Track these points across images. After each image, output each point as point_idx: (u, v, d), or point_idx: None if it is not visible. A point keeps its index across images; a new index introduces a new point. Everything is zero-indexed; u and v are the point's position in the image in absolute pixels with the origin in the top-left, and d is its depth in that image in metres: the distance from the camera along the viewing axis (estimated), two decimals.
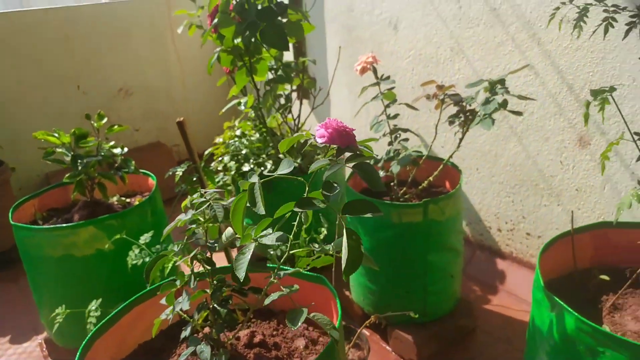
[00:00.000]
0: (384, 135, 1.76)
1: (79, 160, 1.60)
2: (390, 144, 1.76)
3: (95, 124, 1.73)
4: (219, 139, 2.30)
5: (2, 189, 2.44)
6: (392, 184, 1.77)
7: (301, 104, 2.15)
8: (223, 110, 2.05)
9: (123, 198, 1.89)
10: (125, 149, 1.77)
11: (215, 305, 0.90)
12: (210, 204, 0.86)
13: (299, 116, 2.13)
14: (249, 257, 0.73)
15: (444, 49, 2.00)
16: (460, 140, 1.57)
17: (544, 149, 1.77)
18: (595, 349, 0.99)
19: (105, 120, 1.76)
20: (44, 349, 1.88)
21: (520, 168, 1.88)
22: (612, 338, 0.97)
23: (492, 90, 1.45)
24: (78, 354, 0.98)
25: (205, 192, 0.91)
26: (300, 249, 0.93)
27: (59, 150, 1.64)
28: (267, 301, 0.79)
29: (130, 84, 3.12)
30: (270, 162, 1.95)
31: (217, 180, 2.15)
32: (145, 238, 1.52)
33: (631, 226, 1.31)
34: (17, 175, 2.77)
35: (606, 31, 1.18)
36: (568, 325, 1.04)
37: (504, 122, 1.87)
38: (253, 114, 2.19)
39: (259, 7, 1.20)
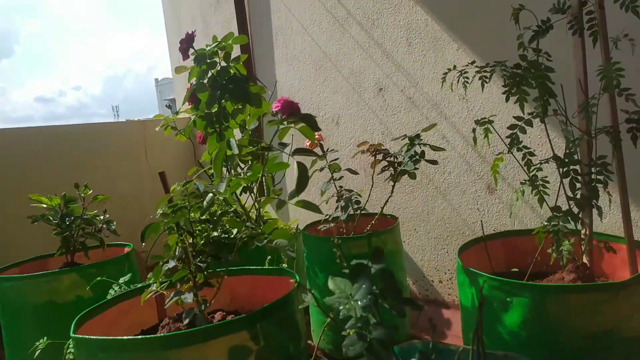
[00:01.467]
0: (333, 195, 2.10)
1: (67, 218, 1.83)
2: (338, 200, 2.09)
3: (82, 194, 2.00)
4: None
5: None
6: (342, 233, 2.06)
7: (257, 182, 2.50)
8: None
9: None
10: (107, 216, 2.01)
11: (198, 262, 1.13)
12: (194, 183, 1.15)
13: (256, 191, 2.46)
14: (227, 182, 1.01)
15: (376, 134, 2.46)
16: (393, 187, 1.93)
17: (463, 201, 2.14)
18: (505, 300, 1.25)
19: (90, 191, 2.04)
20: None
21: (448, 221, 2.22)
22: (515, 285, 1.23)
23: (411, 143, 1.86)
24: (72, 327, 1.15)
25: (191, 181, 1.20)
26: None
27: (47, 212, 1.87)
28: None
29: (105, 192, 3.40)
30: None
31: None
32: (124, 279, 1.71)
33: (529, 233, 1.63)
34: None
35: (483, 86, 1.64)
36: (484, 289, 1.30)
37: (430, 185, 2.26)
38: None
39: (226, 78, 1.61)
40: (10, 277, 1.75)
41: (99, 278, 1.69)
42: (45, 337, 1.55)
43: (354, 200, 1.99)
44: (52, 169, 3.15)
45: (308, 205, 1.06)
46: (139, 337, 0.99)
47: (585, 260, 1.42)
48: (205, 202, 1.12)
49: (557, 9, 1.40)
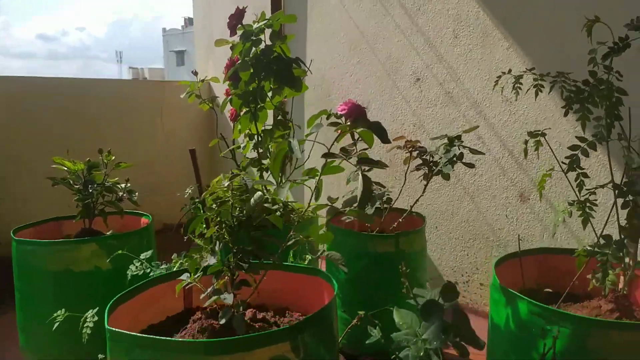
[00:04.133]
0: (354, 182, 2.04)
1: (90, 186, 1.78)
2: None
3: (105, 160, 1.93)
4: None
5: None
6: (368, 226, 2.02)
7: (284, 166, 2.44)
8: (223, 153, 2.26)
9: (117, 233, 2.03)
10: (129, 185, 1.95)
11: (238, 262, 1.08)
12: (242, 177, 1.09)
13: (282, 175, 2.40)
14: (287, 188, 0.95)
15: (407, 125, 2.38)
16: (425, 186, 1.87)
17: (492, 206, 2.10)
18: (545, 328, 1.21)
19: (113, 157, 1.97)
20: None
21: (473, 223, 2.18)
22: (557, 314, 1.19)
23: (450, 144, 1.79)
24: (106, 311, 1.11)
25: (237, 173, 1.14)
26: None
27: (69, 176, 1.81)
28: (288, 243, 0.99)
29: (121, 158, 3.33)
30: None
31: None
32: (145, 255, 1.67)
33: (566, 252, 1.59)
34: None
35: (537, 94, 1.57)
36: (522, 312, 1.26)
37: (458, 185, 2.21)
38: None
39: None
40: (30, 241, 1.71)
41: (119, 251, 1.65)
42: (64, 309, 1.52)
43: (384, 196, 1.93)
44: (68, 123, 3.08)
45: (364, 216, 1.01)
46: (185, 340, 0.95)
47: (624, 289, 1.38)
48: (252, 200, 1.06)
49: (636, 25, 1.31)
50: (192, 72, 2.53)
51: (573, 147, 1.33)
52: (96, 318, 1.51)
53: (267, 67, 1.50)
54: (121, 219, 1.98)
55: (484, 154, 1.94)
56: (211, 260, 1.08)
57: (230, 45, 1.70)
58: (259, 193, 1.06)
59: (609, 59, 1.30)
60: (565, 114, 1.42)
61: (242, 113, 1.78)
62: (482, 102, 2.08)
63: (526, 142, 1.48)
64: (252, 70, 1.53)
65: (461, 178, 2.19)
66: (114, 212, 1.92)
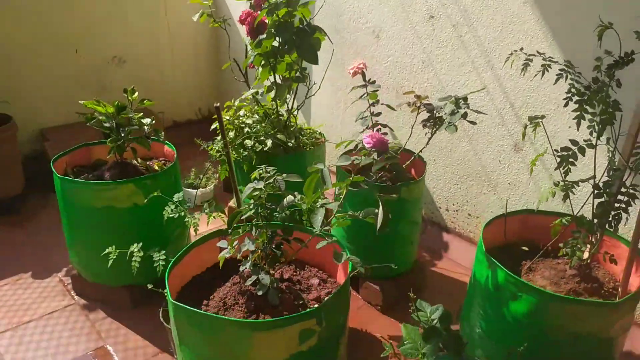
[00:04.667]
0: (368, 128, 2.19)
1: (121, 129, 1.92)
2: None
3: (130, 98, 2.04)
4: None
5: (10, 144, 2.67)
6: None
7: (295, 93, 2.55)
8: (244, 95, 2.34)
9: (142, 160, 2.22)
10: (153, 121, 2.09)
11: (272, 248, 1.31)
12: (275, 178, 1.27)
13: (293, 102, 2.52)
14: (321, 217, 1.14)
15: (417, 61, 2.45)
16: (429, 139, 2.04)
17: (488, 150, 2.29)
18: (516, 294, 1.50)
19: (136, 94, 2.08)
20: (67, 284, 2.20)
21: (468, 162, 2.39)
22: (527, 286, 1.47)
23: (457, 104, 1.92)
24: (166, 279, 1.36)
25: (267, 170, 1.31)
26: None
27: (100, 117, 1.94)
28: (318, 246, 1.22)
29: (123, 52, 3.35)
30: (270, 140, 2.33)
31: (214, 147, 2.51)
32: (178, 197, 1.89)
33: (544, 214, 1.84)
34: None
35: (543, 74, 1.67)
36: (499, 278, 1.54)
37: (459, 126, 2.36)
38: (250, 98, 2.56)
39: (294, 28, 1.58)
40: (75, 180, 1.91)
41: (155, 193, 1.85)
42: (114, 247, 1.77)
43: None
44: (72, 21, 3.04)
45: (382, 229, 1.22)
46: (237, 319, 1.22)
47: (588, 260, 1.65)
48: (285, 201, 1.25)
49: None
50: None
51: (565, 149, 1.49)
52: (141, 253, 1.80)
53: (291, 40, 1.57)
54: (148, 151, 2.16)
55: (486, 114, 2.08)
56: (250, 246, 1.30)
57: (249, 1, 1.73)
58: (290, 197, 1.24)
59: (612, 71, 1.40)
60: (566, 105, 1.56)
61: (261, 65, 1.87)
62: (492, 52, 2.15)
63: (525, 126, 1.63)
64: (276, 39, 1.60)
65: (463, 122, 2.33)
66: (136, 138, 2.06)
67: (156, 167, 2.23)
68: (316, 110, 3.14)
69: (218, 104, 1.81)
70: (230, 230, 1.36)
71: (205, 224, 1.82)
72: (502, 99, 2.17)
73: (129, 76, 3.43)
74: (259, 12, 1.59)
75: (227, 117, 2.44)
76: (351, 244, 2.14)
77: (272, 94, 2.05)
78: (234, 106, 2.62)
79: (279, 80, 2.03)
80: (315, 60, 1.57)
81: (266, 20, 1.83)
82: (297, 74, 1.81)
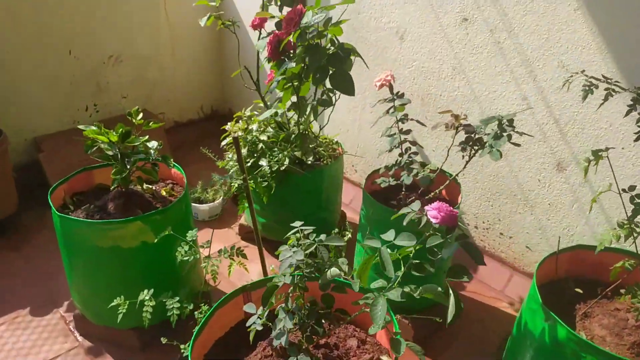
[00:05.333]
0: (397, 146, 1.99)
1: (127, 159, 1.71)
2: (401, 155, 2.00)
3: (134, 120, 1.83)
4: (228, 126, 2.42)
5: (2, 158, 2.45)
6: (402, 191, 2.03)
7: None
8: (262, 117, 2.11)
9: (148, 186, 2.02)
10: (160, 145, 1.88)
11: (313, 324, 1.13)
12: (317, 246, 1.08)
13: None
14: (383, 310, 0.96)
15: (446, 66, 2.23)
16: (467, 162, 1.84)
17: (526, 167, 2.09)
18: (579, 354, 1.34)
19: (140, 115, 1.86)
20: (69, 321, 2.03)
21: (502, 179, 2.20)
22: (593, 348, 1.31)
23: (500, 127, 1.72)
24: (190, 349, 1.19)
25: (307, 233, 1.12)
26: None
27: (102, 146, 1.73)
28: (371, 331, 1.04)
29: (120, 51, 3.10)
30: (287, 159, 2.13)
31: (227, 166, 2.31)
32: (192, 235, 1.70)
33: (594, 249, 1.66)
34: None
35: (606, 99, 1.47)
36: (560, 334, 1.37)
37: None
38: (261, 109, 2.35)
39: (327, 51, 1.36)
40: (76, 220, 1.70)
41: (166, 232, 1.66)
42: (122, 297, 1.60)
43: (427, 169, 1.91)
44: (64, 21, 2.78)
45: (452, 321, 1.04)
46: None
47: None
48: (328, 275, 1.06)
49: None
50: None
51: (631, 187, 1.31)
52: (153, 302, 1.62)
53: (323, 69, 1.36)
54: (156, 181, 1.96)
55: (532, 136, 1.88)
56: (287, 324, 1.12)
57: (276, 19, 1.51)
58: (336, 271, 1.06)
59: None
60: (637, 139, 1.37)
61: (285, 87, 1.65)
62: (535, 62, 1.94)
63: (589, 161, 1.44)
64: (306, 68, 1.38)
65: None
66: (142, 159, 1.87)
67: (164, 193, 2.03)
68: (330, 113, 2.92)
69: (236, 134, 1.61)
70: (264, 306, 1.18)
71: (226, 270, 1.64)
72: (545, 114, 1.96)
73: (127, 76, 3.19)
74: (284, 33, 1.37)
75: (240, 133, 2.23)
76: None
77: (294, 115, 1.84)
78: (244, 117, 2.40)
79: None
80: (351, 91, 1.36)
81: (290, 39, 1.61)
82: (324, 96, 1.60)
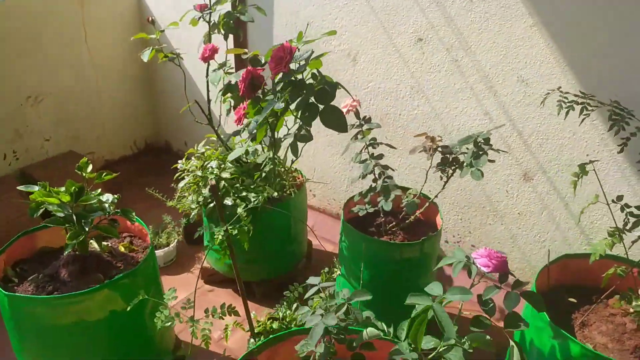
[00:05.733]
0: (370, 173, 1.93)
1: (83, 220, 1.50)
2: (375, 180, 1.94)
3: (84, 175, 1.62)
4: (180, 164, 2.24)
5: None
6: (381, 216, 1.97)
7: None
8: (231, 156, 1.95)
9: (105, 243, 1.79)
10: (116, 198, 1.67)
11: None
12: (350, 309, 0.98)
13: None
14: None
15: (404, 86, 2.22)
16: (445, 183, 1.83)
17: (493, 180, 2.12)
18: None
19: (90, 167, 1.65)
20: None
21: (470, 193, 2.21)
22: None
23: (477, 146, 1.71)
24: None
25: (329, 292, 1.01)
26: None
27: (52, 208, 1.51)
28: None
29: (40, 90, 2.79)
30: (252, 194, 2.00)
31: (186, 208, 2.13)
32: (169, 296, 1.52)
33: (581, 257, 1.70)
34: None
35: (581, 112, 1.50)
36: (573, 351, 1.37)
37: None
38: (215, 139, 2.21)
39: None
40: (28, 297, 1.46)
41: (140, 297, 1.47)
42: None
43: (410, 194, 1.86)
44: None
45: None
46: None
47: None
48: (366, 335, 0.96)
49: None
50: (148, 19, 2.07)
51: (625, 205, 1.34)
52: None
53: (310, 107, 1.27)
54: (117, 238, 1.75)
55: (506, 152, 1.91)
56: None
57: (248, 56, 1.39)
58: (373, 332, 0.96)
59: None
60: (621, 151, 1.41)
61: (258, 126, 1.53)
62: (495, 77, 1.97)
63: (578, 176, 1.46)
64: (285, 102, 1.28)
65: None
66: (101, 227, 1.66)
67: (122, 249, 1.81)
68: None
69: (214, 182, 1.47)
70: None
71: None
72: (508, 127, 2.00)
73: (49, 116, 2.88)
74: (273, 74, 1.26)
75: (199, 173, 2.06)
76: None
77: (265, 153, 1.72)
78: (198, 153, 2.23)
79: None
80: (344, 128, 1.27)
81: (262, 73, 1.50)
82: (302, 131, 1.50)
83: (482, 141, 1.71)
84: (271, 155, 1.65)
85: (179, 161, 2.29)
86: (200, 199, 2.04)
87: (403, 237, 1.92)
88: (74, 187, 1.51)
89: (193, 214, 2.07)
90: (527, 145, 1.99)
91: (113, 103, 3.19)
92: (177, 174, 2.25)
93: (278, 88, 1.34)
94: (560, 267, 1.71)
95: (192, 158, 2.26)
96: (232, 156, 1.65)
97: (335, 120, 1.26)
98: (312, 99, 1.28)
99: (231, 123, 2.01)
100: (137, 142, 3.45)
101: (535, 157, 1.98)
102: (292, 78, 1.25)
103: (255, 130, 1.41)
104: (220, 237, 1.57)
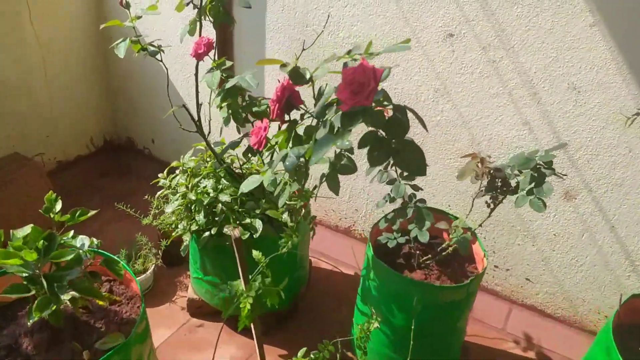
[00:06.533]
0: (400, 197, 1.64)
1: (56, 284, 1.12)
2: (404, 203, 1.66)
3: (53, 217, 1.22)
4: (164, 180, 1.86)
5: None
6: (410, 248, 1.69)
7: None
8: (243, 187, 1.60)
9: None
10: (95, 243, 1.29)
11: None
12: None
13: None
14: None
15: (426, 88, 1.92)
16: (492, 210, 1.57)
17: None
18: None
19: (60, 205, 1.26)
20: None
21: (498, 210, 1.96)
22: None
23: (537, 170, 1.45)
24: None
25: None
26: None
27: (13, 270, 1.11)
28: None
29: None
30: (258, 221, 1.66)
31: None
32: None
33: None
34: None
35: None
36: None
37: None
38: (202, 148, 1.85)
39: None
40: None
41: None
42: None
43: (459, 232, 1.59)
44: None
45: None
46: None
47: None
48: None
49: None
50: (121, 3, 1.64)
51: None
52: None
53: (382, 143, 0.95)
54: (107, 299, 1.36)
55: (566, 175, 1.66)
56: None
57: (288, 68, 1.04)
58: None
59: None
60: None
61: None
62: (540, 83, 1.70)
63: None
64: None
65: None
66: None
67: (101, 303, 1.43)
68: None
69: (238, 235, 1.13)
70: None
71: None
72: (552, 140, 1.76)
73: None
74: (346, 105, 0.91)
75: (192, 196, 1.69)
76: (397, 352, 1.62)
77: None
78: (186, 169, 1.86)
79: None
80: (423, 170, 0.96)
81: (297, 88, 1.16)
82: (344, 160, 1.18)
83: (543, 164, 1.46)
84: (297, 186, 1.31)
85: (159, 175, 1.91)
86: (194, 227, 1.68)
87: (439, 271, 1.66)
88: (42, 240, 1.12)
89: (183, 246, 1.71)
90: (573, 160, 1.75)
91: (65, 94, 2.70)
92: (159, 193, 1.87)
93: (329, 115, 1.00)
94: (626, 307, 1.50)
95: (177, 172, 1.88)
96: (245, 188, 1.30)
97: (415, 162, 0.94)
98: (381, 132, 0.96)
99: (219, 125, 1.66)
100: (94, 139, 2.97)
101: (581, 174, 1.75)
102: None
103: (292, 166, 1.07)
104: (247, 306, 1.23)
